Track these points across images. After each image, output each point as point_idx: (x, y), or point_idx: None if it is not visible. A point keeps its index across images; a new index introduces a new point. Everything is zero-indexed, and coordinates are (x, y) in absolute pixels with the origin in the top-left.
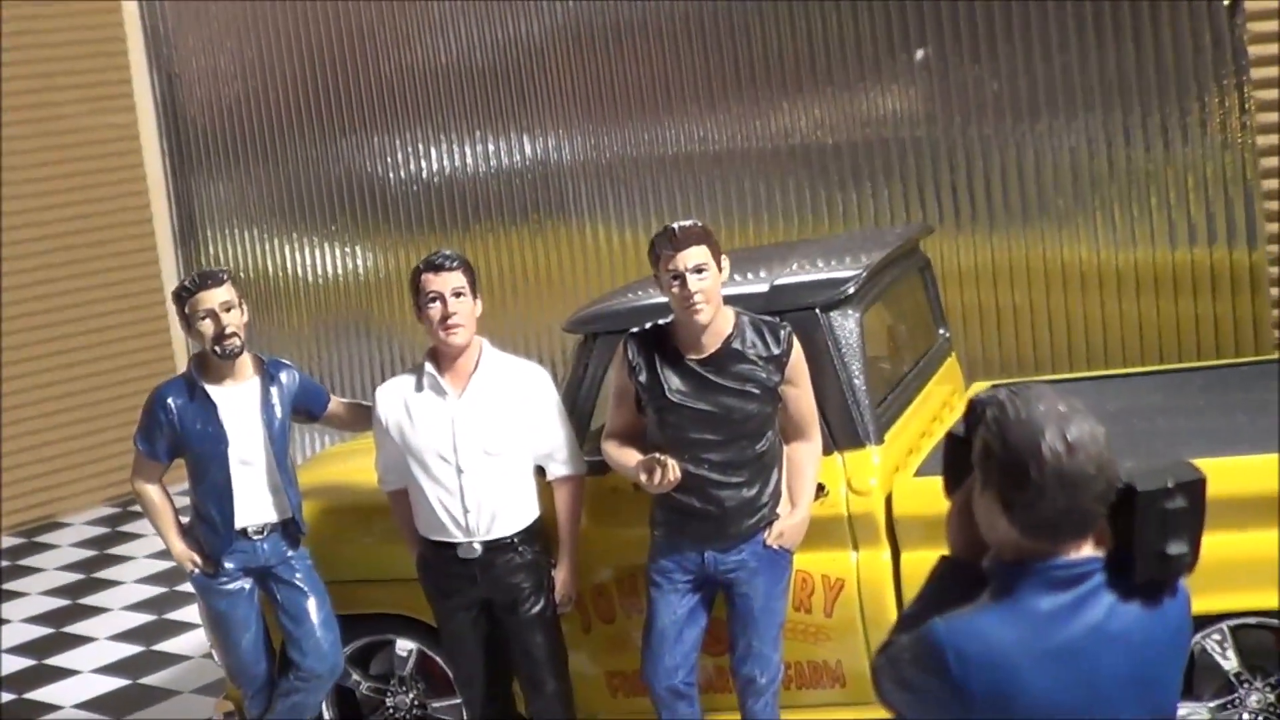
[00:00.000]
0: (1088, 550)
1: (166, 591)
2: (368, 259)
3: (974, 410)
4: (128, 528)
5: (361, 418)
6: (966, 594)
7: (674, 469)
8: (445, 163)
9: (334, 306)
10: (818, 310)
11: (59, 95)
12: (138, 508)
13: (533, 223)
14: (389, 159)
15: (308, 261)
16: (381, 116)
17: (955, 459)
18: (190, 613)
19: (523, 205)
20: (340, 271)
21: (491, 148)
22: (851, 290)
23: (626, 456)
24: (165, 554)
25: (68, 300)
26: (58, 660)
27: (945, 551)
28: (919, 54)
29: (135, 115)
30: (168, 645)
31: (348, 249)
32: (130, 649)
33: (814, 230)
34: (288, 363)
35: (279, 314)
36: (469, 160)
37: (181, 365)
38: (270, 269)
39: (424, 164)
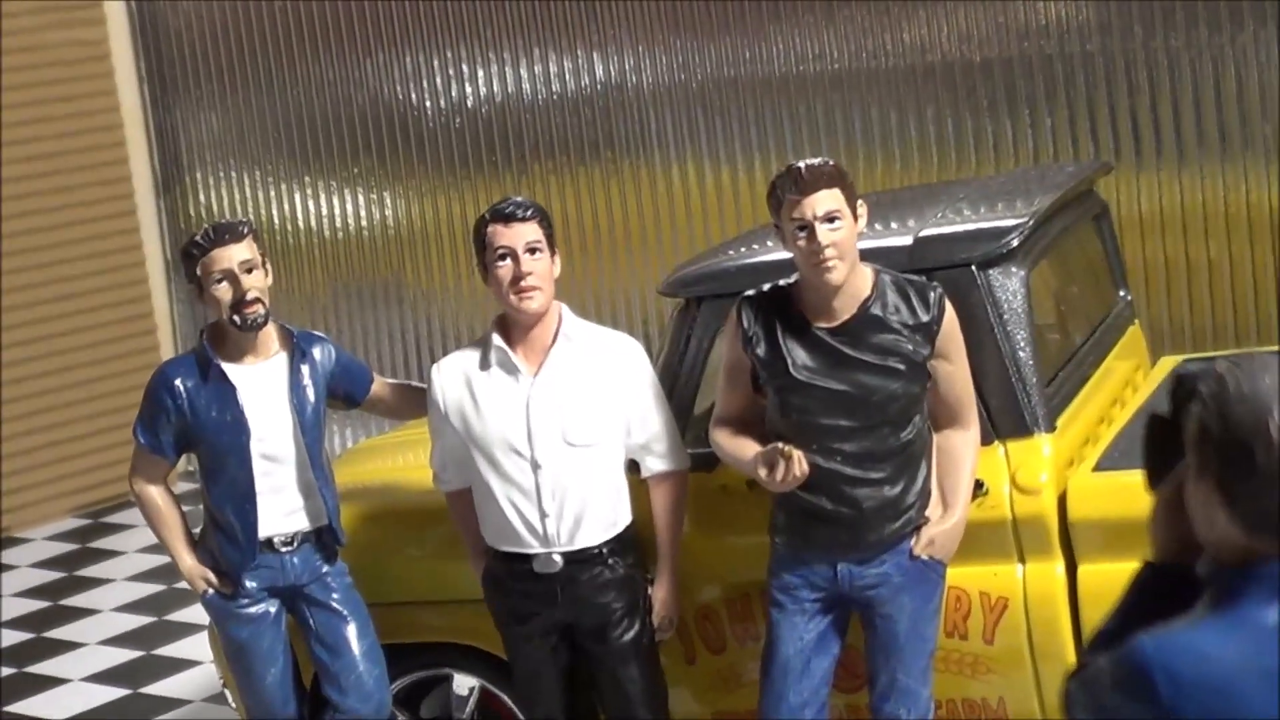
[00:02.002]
0: None
1: (154, 621)
2: (399, 207)
3: (1183, 386)
4: (102, 543)
5: (413, 402)
6: (1176, 605)
7: (800, 462)
8: (495, 87)
9: (356, 266)
10: (974, 267)
11: (11, 5)
12: (114, 518)
13: (606, 161)
14: (425, 83)
15: (324, 211)
16: (415, 30)
17: (1159, 444)
18: (186, 647)
19: (593, 140)
20: (364, 223)
21: (553, 68)
22: (1015, 243)
23: (741, 447)
24: (151, 575)
25: (23, 262)
26: (22, 707)
27: (1137, 560)
28: None
29: (106, 29)
30: (159, 687)
31: (373, 195)
32: (113, 692)
33: (958, 168)
34: (321, 335)
35: (288, 276)
36: (525, 84)
37: (165, 342)
38: (276, 221)
39: (469, 89)
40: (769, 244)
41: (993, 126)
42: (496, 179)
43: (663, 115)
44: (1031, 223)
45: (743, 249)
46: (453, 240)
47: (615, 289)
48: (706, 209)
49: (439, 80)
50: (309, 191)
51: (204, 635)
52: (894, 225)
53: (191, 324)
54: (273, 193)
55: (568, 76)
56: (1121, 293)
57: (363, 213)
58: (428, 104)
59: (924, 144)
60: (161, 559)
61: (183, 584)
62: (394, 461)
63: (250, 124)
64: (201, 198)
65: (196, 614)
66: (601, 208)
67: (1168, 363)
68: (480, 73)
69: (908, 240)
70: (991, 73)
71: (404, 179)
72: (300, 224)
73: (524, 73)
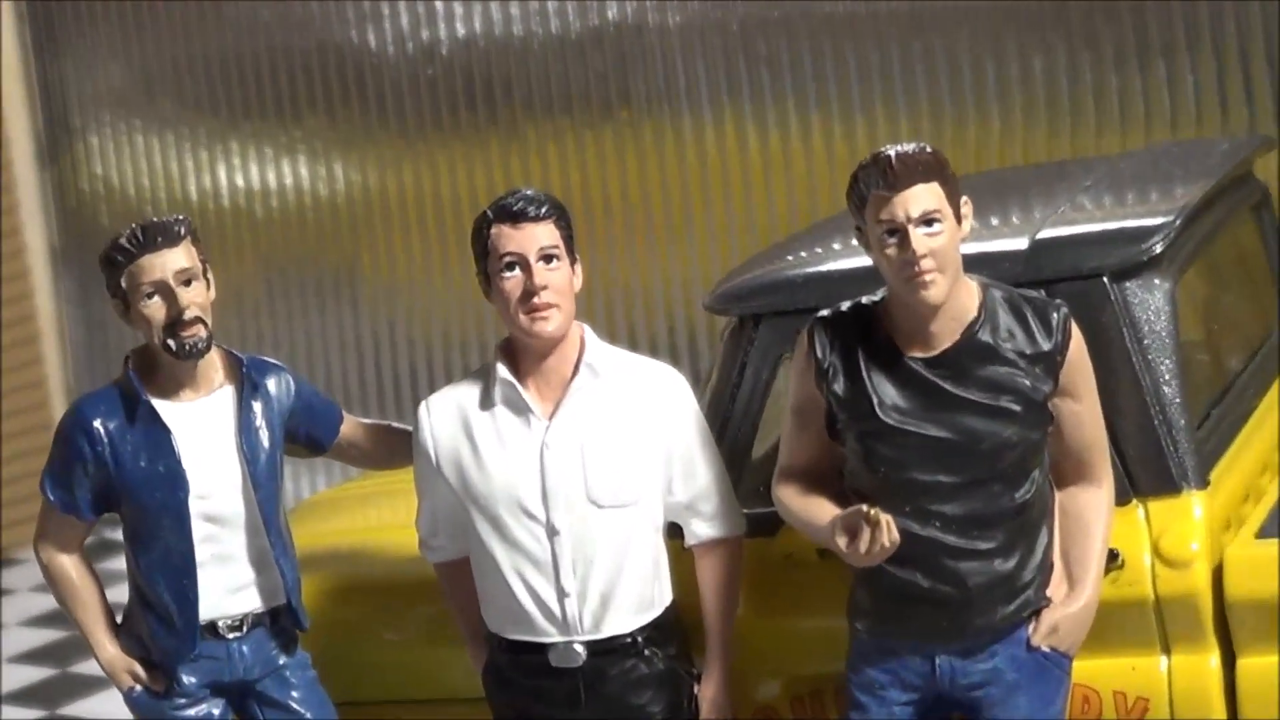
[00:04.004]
0: None
1: (45, 716)
2: (353, 180)
3: None
4: None
5: (394, 449)
6: None
7: (889, 529)
8: (477, 27)
9: (298, 254)
10: (1108, 279)
11: None
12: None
13: (621, 123)
14: (387, 24)
15: (255, 185)
16: None
17: None
18: None
19: (604, 94)
20: (309, 200)
21: (552, 3)
22: (1159, 248)
23: (812, 508)
24: (40, 655)
25: None
26: None
27: None
28: None
29: None
30: None
31: (320, 166)
32: None
33: (1073, 136)
34: (277, 364)
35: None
36: (515, 24)
37: (50, 353)
38: (195, 197)
39: (443, 29)
40: (838, 244)
41: (1119, 83)
42: (479, 145)
43: (694, 64)
44: (1179, 221)
45: (810, 251)
46: (421, 221)
47: (632, 289)
48: (750, 184)
49: (405, 20)
50: (236, 160)
51: None
52: (1000, 222)
53: (85, 329)
54: (190, 163)
55: (570, 14)
56: None
57: (306, 187)
58: (390, 50)
59: (1031, 105)
60: (52, 633)
61: (82, 667)
62: (362, 519)
63: (162, 75)
64: (98, 169)
65: (105, 707)
66: (614, 183)
67: None
68: (458, 9)
69: (1022, 244)
70: (1118, 14)
71: (360, 144)
72: (225, 201)
73: (514, 9)
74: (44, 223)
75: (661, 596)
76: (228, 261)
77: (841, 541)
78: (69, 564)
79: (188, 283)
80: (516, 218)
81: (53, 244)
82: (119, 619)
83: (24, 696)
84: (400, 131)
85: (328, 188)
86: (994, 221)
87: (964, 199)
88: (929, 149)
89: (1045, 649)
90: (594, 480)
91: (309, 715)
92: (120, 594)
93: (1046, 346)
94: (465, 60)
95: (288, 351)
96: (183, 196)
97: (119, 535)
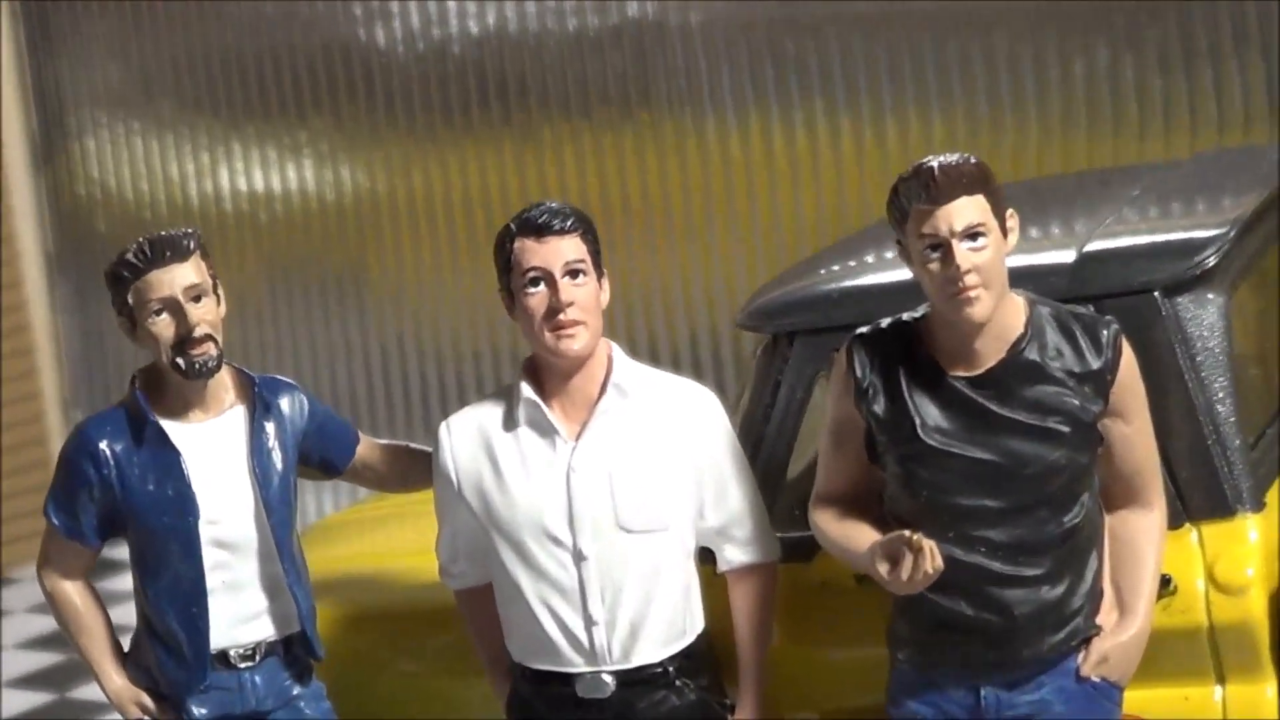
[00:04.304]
0: None
1: None
2: (360, 182)
3: None
4: None
5: (412, 471)
6: None
7: (932, 555)
8: (491, 23)
9: (303, 258)
10: (1159, 294)
11: None
12: None
13: (641, 124)
14: (396, 21)
15: (259, 188)
16: None
17: None
18: None
19: (623, 94)
20: (314, 203)
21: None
22: (1212, 261)
23: (851, 534)
24: (36, 680)
25: None
26: None
27: None
28: None
29: None
30: None
31: (326, 167)
32: None
33: (1116, 140)
34: (290, 383)
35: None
36: (531, 20)
37: (45, 365)
38: (196, 201)
39: (454, 27)
40: (871, 259)
41: (1163, 86)
42: (492, 146)
43: (717, 63)
44: (1232, 234)
45: (845, 265)
46: (431, 225)
47: (652, 295)
48: (776, 189)
49: (415, 17)
50: (239, 163)
51: None
52: (1044, 235)
53: (81, 338)
54: (190, 166)
55: (588, 10)
56: None
57: (312, 190)
58: (400, 48)
59: (1070, 108)
60: (50, 656)
61: (82, 692)
62: (377, 543)
63: (161, 75)
64: (95, 172)
65: None
66: (634, 186)
67: None
68: (471, 6)
69: (1068, 257)
70: (1162, 14)
71: (367, 146)
72: (228, 205)
73: (529, 6)
74: (38, 228)
75: (693, 625)
76: (230, 267)
77: (882, 568)
78: (73, 591)
79: (197, 299)
80: (541, 231)
81: (48, 250)
82: (125, 646)
83: None
84: (410, 132)
85: (334, 191)
86: (1036, 234)
87: (1009, 211)
88: (973, 160)
89: (1095, 679)
90: (623, 504)
91: None
92: (123, 614)
93: (1096, 365)
94: (478, 59)
95: (292, 360)
96: (183, 200)
97: (121, 553)
